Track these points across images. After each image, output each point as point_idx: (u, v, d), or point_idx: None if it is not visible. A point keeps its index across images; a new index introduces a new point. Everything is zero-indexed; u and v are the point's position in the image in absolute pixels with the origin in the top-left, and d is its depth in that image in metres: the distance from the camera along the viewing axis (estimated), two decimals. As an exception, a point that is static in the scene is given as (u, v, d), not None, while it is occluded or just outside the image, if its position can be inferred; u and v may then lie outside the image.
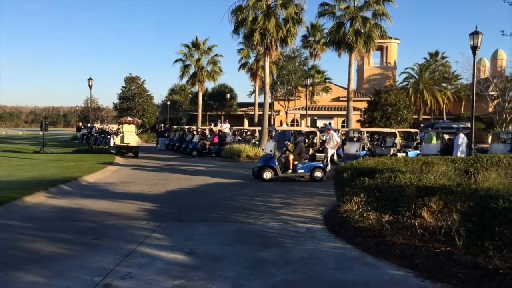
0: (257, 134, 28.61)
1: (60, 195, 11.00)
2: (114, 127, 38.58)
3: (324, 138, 18.94)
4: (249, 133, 29.87)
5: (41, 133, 30.24)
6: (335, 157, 19.54)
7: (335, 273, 5.25)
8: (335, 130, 21.29)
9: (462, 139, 15.86)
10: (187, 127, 31.57)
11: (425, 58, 52.56)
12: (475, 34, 15.66)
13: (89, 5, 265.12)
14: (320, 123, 44.21)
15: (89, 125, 37.00)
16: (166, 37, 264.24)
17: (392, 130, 21.13)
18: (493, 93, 39.06)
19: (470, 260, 5.19)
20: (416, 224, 6.72)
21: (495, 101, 39.57)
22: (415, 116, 43.68)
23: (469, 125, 19.52)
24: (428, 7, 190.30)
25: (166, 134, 33.42)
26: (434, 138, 19.06)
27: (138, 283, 4.87)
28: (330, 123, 20.58)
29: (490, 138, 40.84)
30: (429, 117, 48.64)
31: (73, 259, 5.71)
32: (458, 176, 9.17)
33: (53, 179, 12.82)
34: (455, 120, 41.57)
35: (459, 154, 15.08)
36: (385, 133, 21.17)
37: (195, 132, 27.63)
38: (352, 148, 18.26)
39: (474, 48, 15.81)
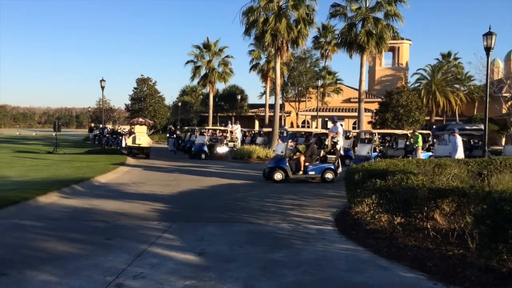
0: (228, 134, 26.57)
1: (73, 195, 11.11)
2: (126, 128, 38.81)
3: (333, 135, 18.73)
4: (220, 133, 27.53)
5: (54, 134, 30.64)
6: (342, 152, 19.26)
7: (347, 275, 5.23)
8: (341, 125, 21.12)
9: (460, 140, 15.60)
10: (197, 127, 31.72)
11: (437, 59, 52.31)
12: (488, 34, 15.50)
13: (101, 6, 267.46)
14: (330, 125, 44.08)
15: (101, 126, 37.32)
16: (178, 38, 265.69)
17: (404, 131, 20.98)
18: (507, 94, 38.55)
19: (484, 263, 5.13)
20: (429, 226, 6.67)
21: (509, 103, 39.04)
22: (427, 118, 43.36)
23: (482, 126, 19.32)
24: (441, 8, 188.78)
25: (174, 135, 33.51)
26: (420, 140, 18.83)
27: (149, 283, 4.89)
28: (341, 124, 20.41)
29: (503, 140, 40.35)
30: (442, 118, 48.25)
31: (85, 258, 5.75)
32: (471, 178, 9.08)
33: (66, 179, 12.95)
34: (468, 121, 41.16)
35: (458, 156, 14.82)
36: (396, 135, 21.03)
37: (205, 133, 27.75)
38: (363, 150, 18.16)
39: (487, 49, 15.64)
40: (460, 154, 15.08)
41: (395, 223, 7.00)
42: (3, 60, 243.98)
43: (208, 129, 27.67)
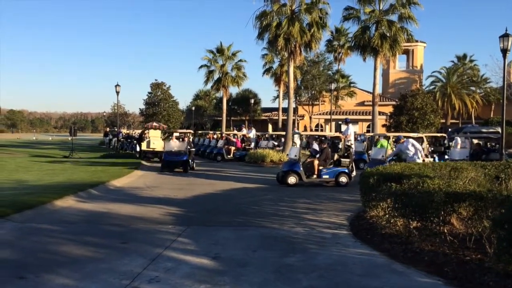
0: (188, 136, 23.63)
1: (89, 199, 11.23)
2: (137, 131, 38.77)
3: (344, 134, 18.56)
4: (185, 138, 23.46)
5: (70, 139, 31.04)
6: (353, 150, 18.95)
7: (362, 280, 5.18)
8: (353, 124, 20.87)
9: (410, 144, 14.75)
10: (211, 132, 31.81)
11: (452, 61, 51.76)
12: (505, 36, 15.30)
13: (113, 10, 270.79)
14: (344, 128, 43.88)
15: (116, 129, 37.68)
16: (191, 43, 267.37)
17: (419, 135, 20.75)
18: (524, 96, 37.99)
19: (502, 268, 5.04)
20: (445, 231, 6.58)
21: (527, 105, 38.44)
22: (443, 121, 42.81)
23: (499, 129, 19.04)
24: (456, 10, 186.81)
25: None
26: (385, 143, 18.45)
27: (164, 287, 4.92)
28: (351, 123, 20.10)
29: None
30: (457, 121, 47.64)
31: (101, 262, 5.81)
32: (489, 182, 8.94)
33: (82, 184, 13.09)
34: (484, 124, 40.58)
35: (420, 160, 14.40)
36: (411, 138, 20.78)
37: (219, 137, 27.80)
38: (378, 153, 18.00)
39: (504, 51, 15.44)
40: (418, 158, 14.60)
41: (411, 227, 6.93)
42: (22, 66, 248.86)
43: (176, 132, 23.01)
